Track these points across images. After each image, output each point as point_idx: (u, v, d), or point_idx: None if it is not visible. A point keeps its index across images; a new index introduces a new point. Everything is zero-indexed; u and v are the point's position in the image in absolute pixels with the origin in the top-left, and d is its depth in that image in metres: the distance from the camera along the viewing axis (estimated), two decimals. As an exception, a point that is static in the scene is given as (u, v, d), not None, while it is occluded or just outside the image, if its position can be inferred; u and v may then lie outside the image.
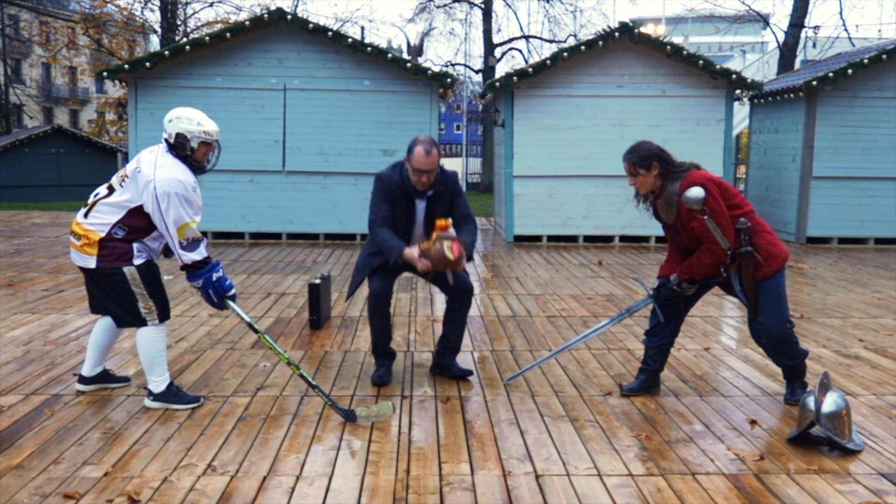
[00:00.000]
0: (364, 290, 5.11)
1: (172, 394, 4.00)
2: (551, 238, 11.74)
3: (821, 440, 3.55)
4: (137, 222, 3.86)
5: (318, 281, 5.90)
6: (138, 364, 4.70)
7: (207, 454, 3.39)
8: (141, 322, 3.94)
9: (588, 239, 11.73)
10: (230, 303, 4.03)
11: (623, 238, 11.74)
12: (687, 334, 5.81)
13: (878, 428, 3.83)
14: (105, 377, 4.26)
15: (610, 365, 4.94)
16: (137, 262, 3.87)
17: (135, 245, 3.87)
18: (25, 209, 17.48)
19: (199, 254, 3.89)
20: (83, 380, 4.21)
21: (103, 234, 3.83)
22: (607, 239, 11.74)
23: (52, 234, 11.83)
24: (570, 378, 4.64)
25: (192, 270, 3.92)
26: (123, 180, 3.90)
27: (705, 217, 3.84)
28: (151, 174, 3.78)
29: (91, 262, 3.84)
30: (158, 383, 3.98)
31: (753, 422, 3.90)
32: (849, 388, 4.50)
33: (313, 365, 4.85)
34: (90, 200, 3.94)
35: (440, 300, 7.08)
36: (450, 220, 4.07)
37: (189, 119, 3.91)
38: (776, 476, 3.24)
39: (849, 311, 6.82)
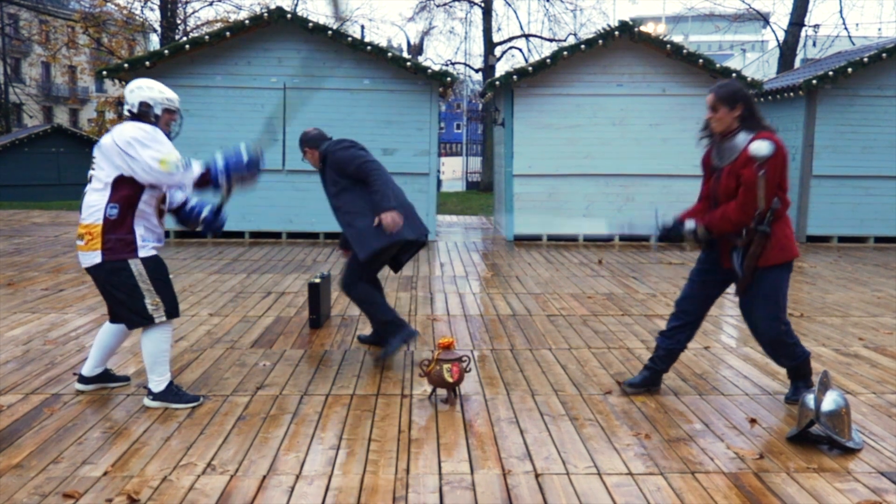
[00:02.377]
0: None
1: (172, 393, 4.00)
2: (551, 237, 11.74)
3: (820, 439, 3.55)
4: (124, 192, 3.81)
5: (317, 280, 5.90)
6: (138, 363, 4.70)
7: (207, 453, 3.39)
8: (148, 319, 3.91)
9: (588, 238, 11.73)
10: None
11: (623, 237, 11.74)
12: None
13: (878, 426, 3.83)
14: (105, 377, 4.26)
15: (610, 364, 4.94)
16: (143, 254, 3.85)
17: (137, 232, 3.84)
18: (25, 208, 17.48)
19: (195, 169, 3.82)
20: (83, 379, 4.21)
21: (101, 221, 3.80)
22: (607, 238, 11.74)
23: (52, 234, 11.83)
24: (570, 377, 4.64)
25: (206, 186, 3.87)
26: (93, 164, 3.89)
27: (760, 173, 3.75)
28: (111, 138, 3.81)
29: (97, 257, 3.81)
30: (159, 383, 3.98)
31: (753, 420, 3.90)
32: (848, 386, 4.50)
33: (313, 364, 4.85)
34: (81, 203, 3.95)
35: (440, 299, 7.09)
36: (452, 339, 4.20)
37: (150, 87, 3.93)
38: (776, 475, 3.24)
39: (848, 309, 6.82)
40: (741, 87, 3.93)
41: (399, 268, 5.26)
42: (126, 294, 3.87)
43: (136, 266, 3.85)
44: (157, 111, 3.91)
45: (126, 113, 3.95)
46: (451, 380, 4.04)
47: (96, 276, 3.92)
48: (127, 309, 3.92)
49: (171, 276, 4.09)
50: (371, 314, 4.98)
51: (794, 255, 3.99)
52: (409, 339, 4.90)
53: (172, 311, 4.00)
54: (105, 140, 3.84)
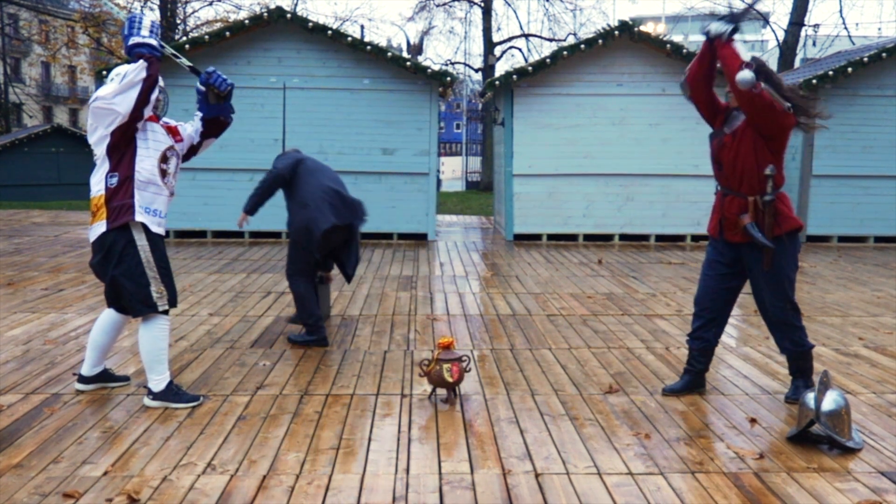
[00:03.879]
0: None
1: (172, 392, 4.00)
2: (551, 237, 11.74)
3: (820, 438, 3.55)
4: (119, 159, 3.87)
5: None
6: (138, 363, 4.70)
7: (207, 453, 3.39)
8: (152, 307, 3.93)
9: (588, 237, 11.73)
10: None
11: (623, 237, 11.73)
12: (687, 332, 5.80)
13: (878, 426, 3.83)
14: (105, 377, 4.26)
15: (610, 364, 4.94)
16: (140, 218, 3.85)
17: (137, 198, 3.87)
18: (25, 208, 17.47)
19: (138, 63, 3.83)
20: (83, 379, 4.21)
21: (104, 191, 3.88)
22: (607, 237, 11.73)
23: (52, 234, 11.82)
24: (570, 377, 4.64)
25: (139, 47, 3.86)
26: (93, 152, 3.98)
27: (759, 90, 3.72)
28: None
29: (103, 226, 3.87)
30: (158, 382, 3.98)
31: (753, 420, 3.90)
32: (848, 386, 4.50)
33: (313, 364, 4.85)
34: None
35: (440, 299, 7.08)
36: (452, 339, 4.25)
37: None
38: (776, 474, 3.24)
39: (848, 309, 6.82)
40: (762, 63, 3.91)
41: (329, 267, 5.77)
42: (134, 282, 3.90)
43: (143, 245, 3.87)
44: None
45: None
46: (451, 380, 4.04)
47: (106, 256, 3.90)
48: (133, 297, 3.94)
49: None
50: (300, 307, 5.37)
51: (798, 224, 3.95)
52: (316, 345, 5.28)
53: (173, 301, 4.06)
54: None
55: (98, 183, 3.92)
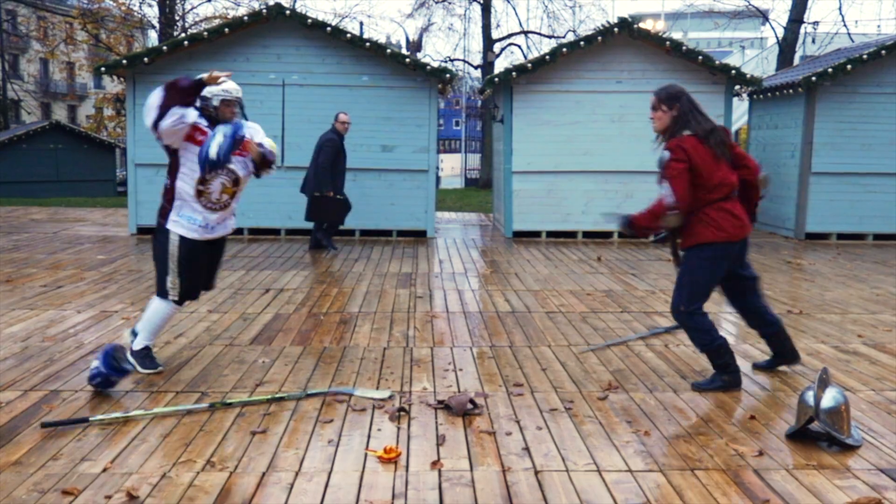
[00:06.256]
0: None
1: (142, 356, 4.37)
2: (550, 234, 11.73)
3: (820, 436, 3.55)
4: (171, 161, 4.21)
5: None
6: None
7: (206, 450, 3.39)
8: (163, 293, 4.36)
9: (587, 235, 11.73)
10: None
11: (622, 234, 11.70)
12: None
13: (877, 423, 3.84)
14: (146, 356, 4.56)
15: (609, 361, 4.94)
16: (173, 227, 4.22)
17: (176, 205, 4.22)
18: (23, 205, 17.44)
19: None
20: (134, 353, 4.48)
21: (163, 186, 4.32)
22: (606, 235, 11.73)
23: (51, 230, 11.81)
24: (569, 374, 4.64)
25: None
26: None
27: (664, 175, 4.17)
28: None
29: (158, 212, 4.34)
30: (140, 342, 4.40)
31: (752, 417, 3.91)
32: (847, 383, 4.50)
33: (312, 361, 4.85)
34: None
35: (439, 296, 7.08)
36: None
37: None
38: (775, 471, 3.25)
39: (847, 306, 6.82)
40: (682, 90, 4.27)
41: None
42: (159, 262, 4.34)
43: (173, 241, 4.22)
44: (215, 103, 4.25)
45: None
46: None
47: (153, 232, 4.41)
48: (158, 273, 4.38)
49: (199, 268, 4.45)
50: None
51: (711, 238, 4.12)
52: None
53: (184, 297, 4.39)
54: None
55: (167, 177, 4.30)
